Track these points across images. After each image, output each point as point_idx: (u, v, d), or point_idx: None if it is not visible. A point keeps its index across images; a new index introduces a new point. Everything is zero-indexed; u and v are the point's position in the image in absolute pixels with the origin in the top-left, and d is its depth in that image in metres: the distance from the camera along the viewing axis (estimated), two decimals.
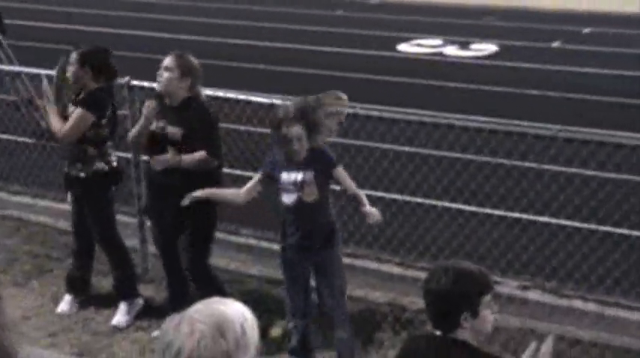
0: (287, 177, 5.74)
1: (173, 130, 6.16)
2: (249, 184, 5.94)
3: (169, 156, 6.17)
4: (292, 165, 5.72)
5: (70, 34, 17.59)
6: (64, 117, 6.68)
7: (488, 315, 3.57)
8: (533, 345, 3.63)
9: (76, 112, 6.60)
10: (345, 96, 5.96)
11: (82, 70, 6.63)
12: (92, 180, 6.75)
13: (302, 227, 5.83)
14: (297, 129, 5.63)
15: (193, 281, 6.48)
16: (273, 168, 5.86)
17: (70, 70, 6.68)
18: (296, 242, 5.89)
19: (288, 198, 5.79)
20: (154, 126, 6.23)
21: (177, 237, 6.43)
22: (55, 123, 6.63)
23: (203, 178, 6.11)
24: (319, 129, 5.72)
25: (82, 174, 6.74)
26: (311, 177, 5.69)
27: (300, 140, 5.64)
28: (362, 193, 5.81)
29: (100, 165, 6.75)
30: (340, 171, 5.80)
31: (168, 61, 6.19)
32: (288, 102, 5.90)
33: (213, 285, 6.34)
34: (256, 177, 5.94)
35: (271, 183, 5.88)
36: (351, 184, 5.81)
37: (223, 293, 5.92)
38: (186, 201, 5.82)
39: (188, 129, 6.12)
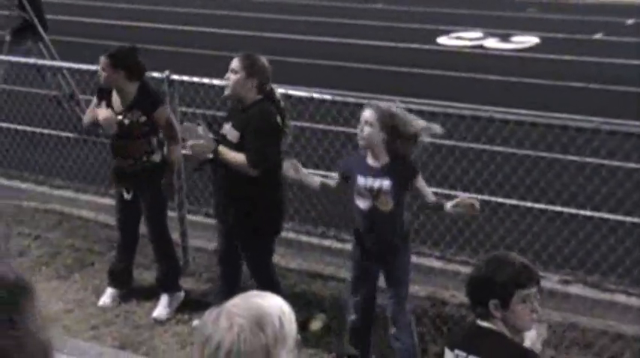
0: (363, 181, 5.56)
1: (232, 133, 6.07)
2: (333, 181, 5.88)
3: (210, 144, 6.05)
4: (371, 170, 5.54)
5: (110, 29, 17.72)
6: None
7: (523, 310, 3.55)
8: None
9: (163, 114, 6.72)
10: (439, 131, 5.71)
11: (115, 73, 6.66)
12: (157, 168, 6.83)
13: (375, 234, 5.67)
14: (376, 132, 5.44)
15: (258, 284, 6.41)
16: (349, 168, 5.71)
17: (103, 76, 6.71)
18: (367, 247, 5.77)
19: (362, 203, 5.62)
20: (224, 128, 6.13)
21: (239, 240, 6.40)
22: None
23: (260, 183, 6.02)
24: (403, 138, 5.49)
25: (149, 164, 6.81)
26: (388, 186, 5.50)
27: (373, 140, 5.46)
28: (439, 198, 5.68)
29: (158, 156, 6.84)
30: (420, 181, 5.60)
31: (234, 62, 6.05)
32: (377, 104, 5.61)
33: (275, 288, 6.23)
34: (336, 176, 5.87)
35: (346, 184, 5.75)
36: (430, 193, 5.64)
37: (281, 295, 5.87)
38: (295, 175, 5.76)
39: (246, 133, 6.00)
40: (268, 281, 6.30)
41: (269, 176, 6.06)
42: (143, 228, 7.18)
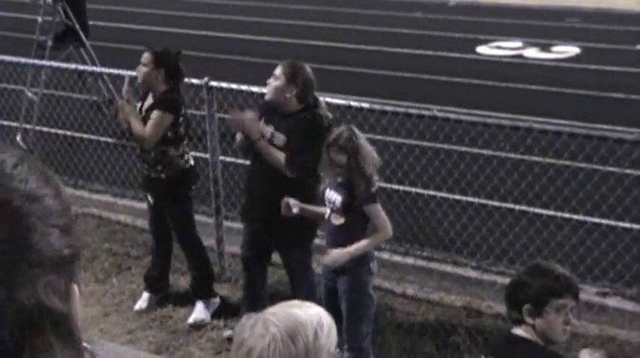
0: (328, 194, 5.71)
1: (280, 137, 6.10)
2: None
3: (257, 126, 6.06)
4: (335, 184, 5.67)
5: (150, 35, 17.85)
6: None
7: (556, 321, 3.53)
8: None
9: (155, 114, 6.68)
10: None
11: (155, 70, 6.70)
12: (173, 180, 6.84)
13: (329, 245, 5.75)
14: (341, 158, 5.54)
15: (295, 287, 6.42)
16: (328, 181, 5.80)
17: (142, 71, 6.74)
18: (326, 261, 5.79)
19: (326, 214, 5.77)
20: (265, 131, 6.15)
21: (267, 243, 6.42)
22: (138, 127, 6.67)
23: (295, 189, 6.01)
24: (363, 160, 5.55)
25: (164, 176, 6.82)
26: (339, 202, 5.60)
27: (341, 166, 5.56)
28: (376, 241, 5.71)
29: (181, 164, 6.84)
30: (372, 210, 5.57)
31: (277, 68, 6.10)
32: (341, 129, 5.73)
33: (313, 295, 6.22)
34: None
35: None
36: (378, 224, 5.59)
37: (318, 302, 5.85)
38: (293, 210, 5.76)
39: (291, 138, 6.03)
40: (305, 286, 6.33)
41: (303, 180, 6.10)
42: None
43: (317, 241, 6.52)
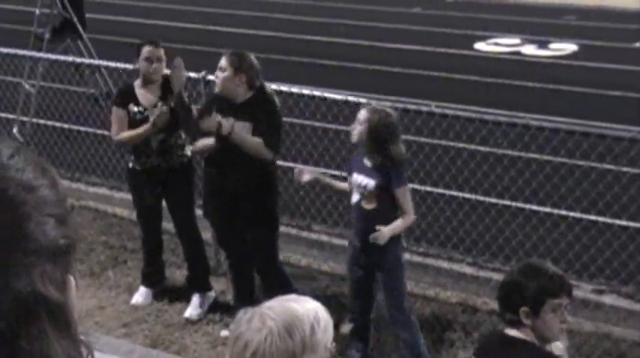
0: (356, 178, 5.80)
1: (245, 125, 6.15)
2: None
3: (224, 122, 6.11)
4: (364, 168, 5.75)
5: (147, 28, 17.82)
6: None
7: (553, 320, 3.53)
8: None
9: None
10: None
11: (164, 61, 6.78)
12: (179, 169, 6.86)
13: (360, 231, 5.88)
14: (363, 132, 5.66)
15: (264, 281, 6.51)
16: (351, 165, 5.97)
17: (152, 66, 6.79)
18: (355, 244, 5.97)
19: (353, 198, 5.88)
20: (224, 125, 6.17)
21: (240, 237, 6.46)
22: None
23: (259, 176, 6.18)
24: (396, 142, 5.70)
25: (185, 159, 6.87)
26: (372, 186, 5.71)
27: (362, 138, 5.69)
28: (406, 223, 5.85)
29: (187, 153, 6.88)
30: (401, 193, 5.74)
31: (222, 60, 6.22)
32: (374, 106, 5.90)
33: (286, 284, 6.34)
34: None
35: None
36: (406, 208, 5.77)
37: (293, 292, 5.94)
38: (304, 177, 6.00)
39: (256, 122, 6.12)
40: (277, 276, 6.42)
41: (270, 167, 6.25)
42: (172, 227, 7.22)
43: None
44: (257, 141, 6.07)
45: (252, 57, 6.30)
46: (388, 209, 5.79)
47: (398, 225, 5.74)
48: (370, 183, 5.70)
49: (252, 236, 6.39)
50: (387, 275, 5.94)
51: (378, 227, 5.64)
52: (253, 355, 2.39)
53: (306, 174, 6.12)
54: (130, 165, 7.00)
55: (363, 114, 5.73)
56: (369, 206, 5.77)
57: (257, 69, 6.25)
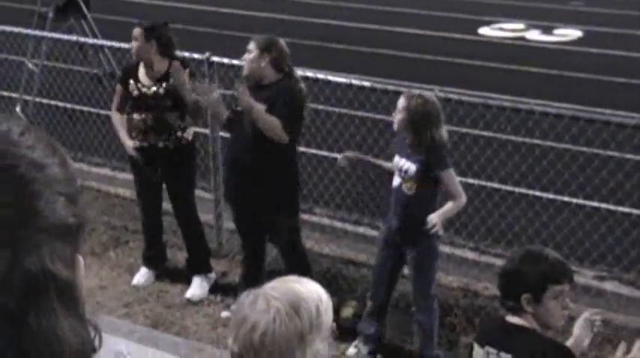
0: (397, 160, 5.80)
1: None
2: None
3: (246, 97, 6.05)
4: (407, 152, 5.72)
5: (150, 8, 17.78)
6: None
7: (555, 307, 3.53)
8: (622, 346, 3.58)
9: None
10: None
11: (147, 43, 6.70)
12: (178, 151, 6.84)
13: (398, 214, 5.86)
14: (403, 119, 5.67)
15: (286, 263, 6.47)
16: (395, 147, 5.98)
17: (134, 46, 6.76)
18: (392, 226, 5.96)
19: (395, 181, 5.86)
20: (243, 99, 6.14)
21: (259, 218, 6.44)
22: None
23: (280, 159, 6.15)
24: (436, 125, 5.67)
25: (184, 141, 6.83)
26: (414, 170, 5.68)
27: (401, 126, 5.71)
28: (458, 206, 5.73)
29: (187, 135, 6.86)
30: (447, 175, 5.68)
31: (250, 44, 6.21)
32: (411, 92, 5.90)
33: (306, 270, 6.30)
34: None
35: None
36: (454, 191, 5.70)
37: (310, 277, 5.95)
38: (342, 163, 6.01)
39: (274, 105, 6.07)
40: (299, 260, 6.38)
41: (290, 151, 6.19)
42: (169, 208, 7.21)
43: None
44: (274, 119, 6.02)
45: (281, 41, 6.26)
46: (427, 195, 5.75)
47: (449, 208, 5.65)
48: (412, 167, 5.67)
49: (274, 220, 6.35)
50: (419, 261, 5.91)
51: (429, 217, 5.52)
52: (262, 336, 2.38)
53: (347, 153, 6.16)
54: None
55: (401, 101, 5.72)
56: (409, 191, 5.73)
57: (285, 52, 6.19)
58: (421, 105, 5.62)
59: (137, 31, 6.74)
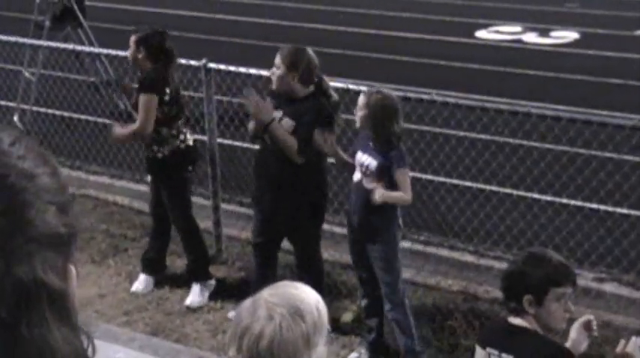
0: (360, 156, 5.87)
1: (287, 122, 6.08)
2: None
3: (266, 110, 6.05)
4: (368, 148, 5.82)
5: (147, 16, 17.79)
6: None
7: (557, 309, 3.53)
8: (621, 344, 3.59)
9: (140, 99, 6.66)
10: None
11: (137, 51, 6.72)
12: (169, 159, 6.83)
13: (357, 209, 5.93)
14: (364, 116, 5.76)
15: (303, 273, 6.41)
16: (356, 144, 6.04)
17: (128, 53, 6.81)
18: (352, 223, 6.04)
19: (355, 176, 5.93)
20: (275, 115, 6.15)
21: (278, 229, 6.41)
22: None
23: (306, 173, 6.12)
24: (393, 122, 5.76)
25: (160, 155, 6.82)
26: (374, 166, 5.76)
27: (362, 125, 5.82)
28: (402, 198, 5.82)
29: (176, 144, 6.83)
30: (400, 173, 5.76)
31: (276, 57, 6.10)
32: (371, 90, 5.94)
33: (319, 283, 6.22)
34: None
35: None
36: (404, 190, 5.76)
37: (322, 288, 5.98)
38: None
39: (298, 123, 6.05)
40: (313, 272, 6.32)
41: (315, 165, 6.14)
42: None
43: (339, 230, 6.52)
44: (291, 143, 5.98)
45: (309, 51, 6.16)
46: (389, 189, 5.81)
47: (395, 195, 5.75)
48: (372, 163, 5.75)
49: (295, 230, 6.33)
50: (383, 256, 5.93)
51: (377, 189, 5.69)
52: (270, 343, 2.38)
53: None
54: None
55: (361, 99, 5.81)
56: (369, 185, 5.79)
57: (313, 64, 6.10)
58: (380, 100, 5.72)
59: (131, 39, 6.79)
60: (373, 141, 5.80)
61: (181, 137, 6.85)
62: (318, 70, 6.15)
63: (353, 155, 6.00)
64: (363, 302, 6.30)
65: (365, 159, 5.81)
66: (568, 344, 3.70)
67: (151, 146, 6.84)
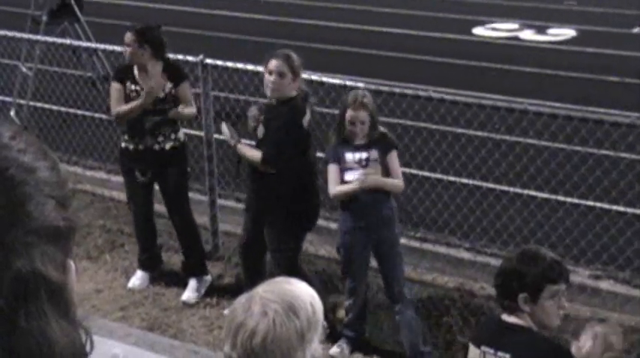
0: (352, 156, 5.94)
1: (260, 129, 6.13)
2: (337, 178, 6.03)
3: (233, 137, 6.21)
4: (357, 146, 5.93)
5: (144, 11, 17.77)
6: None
7: (551, 307, 3.54)
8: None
9: (186, 87, 6.85)
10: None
11: (141, 48, 6.69)
12: (173, 152, 6.83)
13: (362, 205, 5.95)
14: (363, 115, 5.91)
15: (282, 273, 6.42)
16: (336, 152, 6.04)
17: (127, 50, 6.76)
18: (355, 222, 6.03)
19: (351, 175, 5.94)
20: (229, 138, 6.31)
21: (262, 231, 6.40)
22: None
23: (291, 185, 6.13)
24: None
25: (168, 146, 6.81)
26: (376, 155, 5.91)
27: (363, 124, 5.92)
28: (395, 185, 6.01)
29: (180, 137, 6.86)
30: (394, 155, 6.00)
31: (277, 64, 6.00)
32: (360, 88, 6.15)
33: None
34: (334, 169, 6.02)
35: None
36: (398, 171, 6.01)
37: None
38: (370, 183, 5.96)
39: (267, 129, 6.08)
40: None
41: (293, 174, 6.10)
42: (165, 211, 7.20)
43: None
44: (255, 157, 6.04)
45: (294, 54, 6.14)
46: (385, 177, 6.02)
47: (390, 181, 5.93)
48: (373, 153, 5.92)
49: (276, 238, 6.31)
50: (391, 254, 6.08)
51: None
52: (264, 340, 2.38)
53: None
54: (123, 144, 6.96)
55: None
56: (376, 176, 5.93)
57: (301, 68, 6.13)
58: (371, 98, 6.03)
59: (129, 37, 6.72)
60: (368, 137, 5.94)
61: (180, 131, 6.92)
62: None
63: (331, 162, 6.02)
64: (347, 303, 6.34)
65: (359, 155, 5.93)
66: (574, 349, 3.71)
67: (170, 134, 6.81)
